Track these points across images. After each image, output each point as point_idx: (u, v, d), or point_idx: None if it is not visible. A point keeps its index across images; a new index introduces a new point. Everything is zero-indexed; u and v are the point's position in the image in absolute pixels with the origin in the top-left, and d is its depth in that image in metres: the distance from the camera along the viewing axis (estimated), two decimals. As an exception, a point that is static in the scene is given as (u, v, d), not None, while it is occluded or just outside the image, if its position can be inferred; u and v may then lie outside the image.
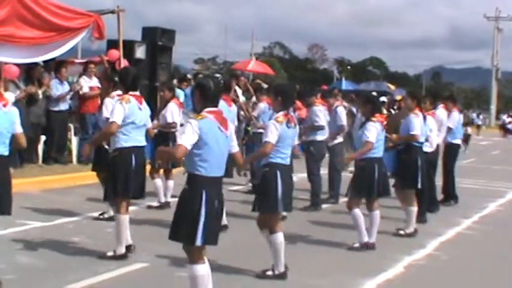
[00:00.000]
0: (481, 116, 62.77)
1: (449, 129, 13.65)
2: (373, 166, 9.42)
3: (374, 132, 9.35)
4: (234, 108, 11.09)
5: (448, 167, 14.08)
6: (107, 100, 9.70)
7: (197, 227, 5.98)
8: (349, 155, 9.74)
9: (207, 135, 6.00)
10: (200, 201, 5.99)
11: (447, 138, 13.76)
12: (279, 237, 7.70)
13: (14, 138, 6.84)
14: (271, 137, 7.60)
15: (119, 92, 10.11)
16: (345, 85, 42.13)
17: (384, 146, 10.15)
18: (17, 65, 13.92)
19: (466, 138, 33.53)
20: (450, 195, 14.05)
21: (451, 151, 14.04)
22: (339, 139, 13.31)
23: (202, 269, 6.11)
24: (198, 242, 6.02)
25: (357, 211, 9.44)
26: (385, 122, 9.92)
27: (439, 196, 13.69)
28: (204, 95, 6.23)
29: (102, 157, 9.54)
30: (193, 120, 6.03)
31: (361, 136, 9.50)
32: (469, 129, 35.42)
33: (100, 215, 10.42)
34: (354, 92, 26.94)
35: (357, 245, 9.46)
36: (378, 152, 9.51)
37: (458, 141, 14.19)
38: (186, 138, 5.92)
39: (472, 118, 55.93)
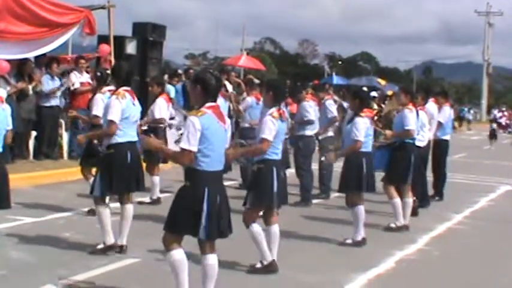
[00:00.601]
0: (471, 111, 62.92)
1: (439, 124, 13.70)
2: (361, 161, 9.47)
3: (363, 129, 9.39)
4: (227, 102, 11.15)
5: (438, 163, 14.13)
6: (98, 96, 9.72)
7: (200, 222, 6.02)
8: (337, 153, 9.77)
9: (208, 130, 6.00)
10: (202, 198, 6.01)
11: (437, 133, 13.80)
12: (275, 229, 7.87)
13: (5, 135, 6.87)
14: (269, 134, 7.62)
15: (111, 87, 10.20)
16: (336, 80, 42.16)
17: (376, 144, 10.22)
18: (8, 60, 13.90)
19: (492, 134, 33.52)
20: (437, 191, 14.10)
21: (441, 147, 14.06)
22: (330, 133, 13.32)
23: (178, 254, 6.16)
24: (201, 235, 6.07)
25: (361, 208, 9.48)
26: (375, 117, 9.97)
27: (430, 192, 13.75)
28: (206, 90, 6.20)
29: (93, 153, 9.60)
30: (194, 117, 6.01)
31: (349, 131, 9.54)
32: (494, 125, 35.49)
33: (89, 210, 10.41)
34: (345, 87, 27.02)
35: (349, 241, 9.50)
36: (366, 147, 9.57)
37: (448, 137, 14.19)
38: (191, 142, 5.92)
39: (463, 113, 56.10)
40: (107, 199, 8.57)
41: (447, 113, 14.10)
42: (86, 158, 10.48)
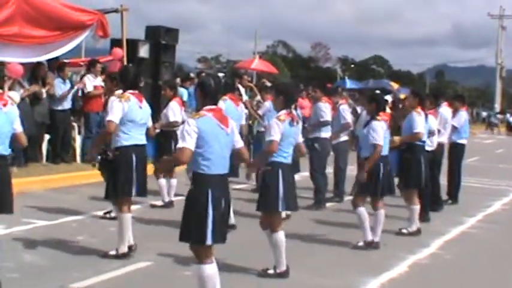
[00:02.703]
0: (498, 116, 61.73)
1: (454, 128, 13.65)
2: (378, 164, 9.42)
3: (381, 132, 9.36)
4: (241, 107, 11.07)
5: (453, 166, 14.07)
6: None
7: (206, 227, 6.00)
8: (368, 162, 9.66)
9: (206, 133, 6.01)
10: (206, 201, 6.00)
11: (452, 137, 13.75)
12: (280, 236, 7.71)
13: (14, 138, 6.86)
14: (275, 135, 7.60)
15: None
16: (349, 84, 42.06)
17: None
18: (22, 64, 13.94)
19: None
20: (452, 194, 14.04)
21: (456, 151, 14.00)
22: (343, 137, 13.28)
23: (210, 269, 6.11)
24: (208, 241, 6.04)
25: (362, 209, 9.45)
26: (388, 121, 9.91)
27: (444, 196, 13.70)
28: (204, 93, 6.28)
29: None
30: (191, 119, 6.08)
31: (366, 135, 9.50)
32: None
33: (105, 213, 10.44)
34: (358, 90, 26.91)
35: (361, 243, 9.47)
36: (383, 150, 9.52)
37: (464, 141, 14.08)
38: (187, 141, 5.95)
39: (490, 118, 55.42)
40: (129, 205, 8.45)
41: (463, 117, 14.00)
42: (101, 162, 10.49)
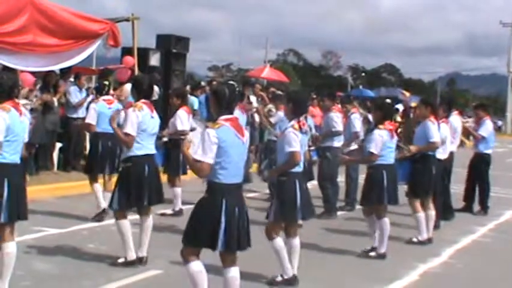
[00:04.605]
0: None
1: (482, 138, 13.61)
2: (381, 173, 9.41)
3: (379, 142, 9.34)
4: (245, 116, 11.18)
5: (481, 176, 14.00)
6: (91, 105, 11.25)
7: (218, 234, 6.02)
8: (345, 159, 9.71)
9: (226, 143, 6.01)
10: (220, 210, 6.03)
11: (479, 147, 13.72)
12: (296, 241, 7.79)
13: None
14: (296, 145, 7.58)
15: (107, 97, 10.97)
16: (365, 92, 41.99)
17: (398, 156, 10.17)
18: (33, 72, 14.00)
19: None
20: (483, 205, 14.02)
21: (483, 161, 13.95)
22: (354, 146, 13.25)
23: (197, 266, 6.19)
24: (219, 248, 6.07)
25: (386, 220, 9.43)
26: (398, 130, 9.91)
27: (459, 204, 13.67)
28: (220, 102, 6.25)
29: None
30: (211, 129, 6.04)
31: (366, 144, 9.53)
32: None
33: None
34: (370, 99, 26.86)
35: (373, 253, 9.45)
36: (387, 159, 9.51)
37: (490, 150, 13.98)
38: (208, 154, 5.93)
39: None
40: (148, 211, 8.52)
41: (489, 126, 13.86)
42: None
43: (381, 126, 9.48)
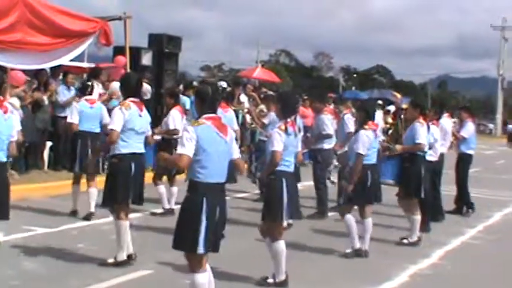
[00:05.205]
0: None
1: (463, 139, 13.66)
2: (366, 173, 9.41)
3: (366, 142, 9.33)
4: (230, 113, 11.24)
5: (461, 176, 14.07)
6: (73, 104, 11.60)
7: (198, 235, 5.96)
8: (353, 173, 9.66)
9: (204, 141, 6.00)
10: (201, 209, 5.97)
11: (461, 148, 13.79)
12: (280, 245, 7.66)
13: (8, 146, 6.83)
14: (277, 145, 7.58)
15: (89, 97, 11.23)
16: (358, 94, 42.08)
17: (386, 154, 10.17)
18: (23, 70, 13.94)
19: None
20: (466, 204, 14.03)
21: (464, 161, 14.04)
22: (347, 148, 13.25)
23: (202, 278, 6.07)
24: (200, 250, 5.99)
25: (350, 217, 9.45)
26: (389, 131, 9.91)
27: (451, 206, 13.68)
28: (203, 101, 6.28)
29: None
30: (190, 127, 6.08)
31: (352, 145, 9.52)
32: None
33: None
34: (361, 100, 26.84)
35: (349, 250, 9.47)
36: (371, 159, 9.51)
37: (471, 151, 14.10)
38: (186, 147, 5.93)
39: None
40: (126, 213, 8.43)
41: (471, 127, 14.01)
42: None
43: (366, 126, 9.48)
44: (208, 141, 6.02)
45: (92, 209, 10.92)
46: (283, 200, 7.64)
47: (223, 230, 6.25)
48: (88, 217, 10.85)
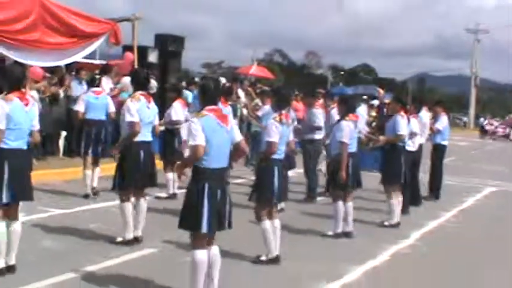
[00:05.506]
0: (486, 121, 60.55)
1: (438, 131, 13.68)
2: (347, 161, 9.40)
3: (347, 131, 9.33)
4: (228, 108, 11.43)
5: (436, 166, 14.07)
6: (82, 95, 11.71)
7: (202, 216, 5.95)
8: (341, 162, 9.63)
9: (207, 131, 5.98)
10: (203, 192, 5.97)
11: (436, 139, 13.79)
12: (266, 225, 7.68)
13: (30, 134, 6.83)
14: (274, 136, 7.58)
15: (96, 88, 11.53)
16: (344, 90, 41.96)
17: (371, 145, 10.18)
18: (41, 67, 13.96)
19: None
20: (435, 192, 14.02)
21: (439, 151, 14.05)
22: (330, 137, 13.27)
23: (202, 254, 6.06)
24: (204, 229, 5.99)
25: (340, 203, 9.44)
26: (372, 123, 9.91)
27: (424, 192, 13.69)
28: (205, 95, 6.28)
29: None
30: (195, 118, 6.08)
31: (334, 134, 9.50)
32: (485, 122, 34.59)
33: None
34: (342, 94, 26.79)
35: (331, 232, 9.49)
36: (352, 147, 9.49)
37: (446, 142, 14.11)
38: (198, 138, 5.91)
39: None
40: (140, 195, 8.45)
41: (444, 121, 14.04)
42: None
43: (347, 118, 9.48)
44: (211, 130, 6.01)
45: (95, 184, 11.29)
46: (274, 185, 7.65)
47: (229, 209, 6.21)
48: (92, 192, 11.18)
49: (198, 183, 6.01)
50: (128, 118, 8.01)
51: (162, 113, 11.44)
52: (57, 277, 6.71)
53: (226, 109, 10.91)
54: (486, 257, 9.30)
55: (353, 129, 9.48)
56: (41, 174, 11.92)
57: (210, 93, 6.26)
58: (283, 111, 7.84)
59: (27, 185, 6.77)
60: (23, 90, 6.92)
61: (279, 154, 7.75)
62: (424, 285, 7.64)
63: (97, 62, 19.93)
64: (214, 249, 6.24)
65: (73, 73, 15.88)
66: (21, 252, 6.83)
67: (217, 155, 6.07)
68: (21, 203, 6.85)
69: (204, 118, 6.04)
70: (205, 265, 6.08)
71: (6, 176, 6.48)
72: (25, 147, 6.72)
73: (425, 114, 13.28)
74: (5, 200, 6.54)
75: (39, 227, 8.80)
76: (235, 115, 14.20)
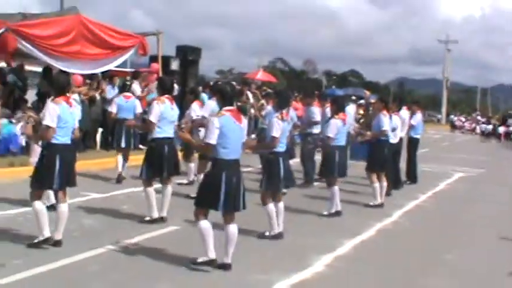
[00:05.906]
0: (456, 118, 60.20)
1: (412, 126, 13.67)
2: (334, 153, 9.42)
3: (334, 128, 9.34)
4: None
5: (410, 155, 14.05)
6: (115, 99, 11.77)
7: (219, 198, 6.05)
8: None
9: (225, 128, 6.05)
10: (220, 180, 6.06)
11: (410, 133, 13.78)
12: (269, 207, 7.70)
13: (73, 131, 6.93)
14: (277, 132, 7.58)
15: (126, 93, 11.62)
16: (336, 91, 41.83)
17: (360, 139, 10.19)
18: (81, 74, 14.03)
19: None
20: (411, 177, 14.00)
21: (413, 143, 14.02)
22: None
23: (205, 223, 6.19)
24: (220, 208, 6.11)
25: (336, 187, 9.44)
26: (360, 120, 9.90)
27: (404, 178, 13.68)
28: (223, 98, 6.30)
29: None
30: (215, 117, 6.11)
31: (325, 130, 9.53)
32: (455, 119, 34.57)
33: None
34: (334, 96, 26.75)
35: (325, 213, 9.51)
36: (340, 141, 9.50)
37: (418, 136, 14.07)
38: (212, 138, 6.01)
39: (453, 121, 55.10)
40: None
41: (418, 117, 14.03)
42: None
43: (336, 116, 9.48)
44: (228, 128, 6.07)
45: (120, 169, 11.43)
46: (281, 174, 7.68)
47: (243, 193, 6.27)
48: (119, 179, 11.28)
49: (217, 172, 6.09)
50: (150, 117, 8.13)
51: (182, 113, 11.49)
52: (97, 249, 6.77)
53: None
54: (458, 228, 9.32)
55: (341, 126, 9.47)
56: (81, 164, 11.90)
57: (228, 96, 6.29)
58: (284, 111, 7.84)
59: (72, 174, 6.86)
60: (68, 94, 7.01)
61: (282, 147, 7.77)
62: (406, 256, 7.64)
63: (128, 69, 19.97)
64: (233, 227, 6.28)
65: (107, 79, 15.94)
66: (67, 229, 6.88)
67: (233, 148, 6.14)
68: (67, 188, 6.91)
69: (223, 117, 6.10)
70: (210, 230, 6.19)
71: (57, 167, 6.58)
72: (70, 142, 6.81)
73: (404, 112, 13.25)
74: (56, 186, 6.64)
75: (81, 208, 8.85)
76: (245, 114, 14.17)
